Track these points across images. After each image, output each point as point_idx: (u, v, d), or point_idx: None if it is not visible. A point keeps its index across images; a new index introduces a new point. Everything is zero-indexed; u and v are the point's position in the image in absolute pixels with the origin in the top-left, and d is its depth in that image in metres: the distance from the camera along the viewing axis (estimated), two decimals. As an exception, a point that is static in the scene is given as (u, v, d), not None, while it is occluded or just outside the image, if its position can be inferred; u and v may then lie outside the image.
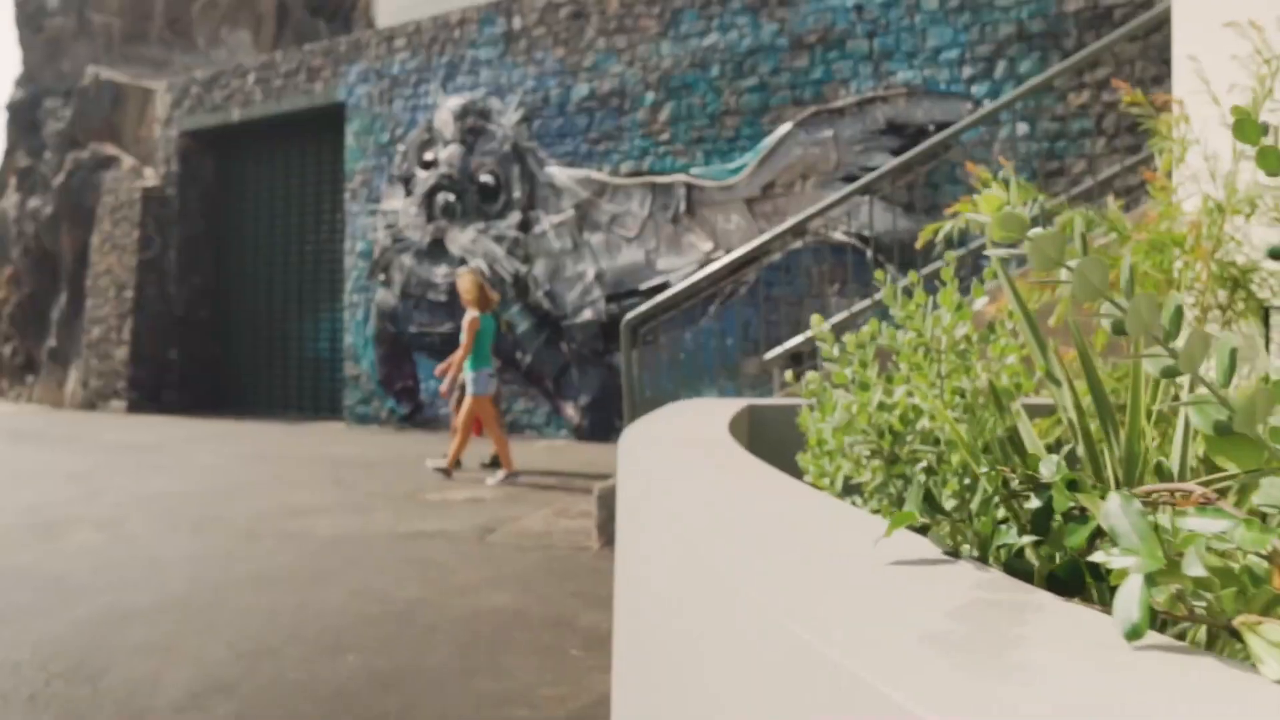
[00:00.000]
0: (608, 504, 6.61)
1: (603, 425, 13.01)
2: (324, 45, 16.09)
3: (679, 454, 1.93)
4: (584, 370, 13.17)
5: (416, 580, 5.80)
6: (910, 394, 2.09)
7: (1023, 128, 10.59)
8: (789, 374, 2.91)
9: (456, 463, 10.04)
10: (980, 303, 2.14)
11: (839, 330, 9.91)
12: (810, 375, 2.30)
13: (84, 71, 19.57)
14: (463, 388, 10.04)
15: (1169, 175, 3.63)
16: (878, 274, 2.33)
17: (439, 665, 4.29)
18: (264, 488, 9.23)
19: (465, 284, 10.05)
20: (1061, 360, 2.28)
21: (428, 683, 4.07)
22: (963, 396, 2.18)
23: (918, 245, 3.73)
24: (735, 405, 3.24)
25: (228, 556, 6.39)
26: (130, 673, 4.18)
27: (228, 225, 18.34)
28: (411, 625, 4.89)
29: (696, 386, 12.31)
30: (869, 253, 10.92)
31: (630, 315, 6.90)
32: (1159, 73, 10.04)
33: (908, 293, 2.23)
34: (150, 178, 18.27)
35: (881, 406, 2.11)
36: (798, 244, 11.67)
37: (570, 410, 13.29)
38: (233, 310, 18.28)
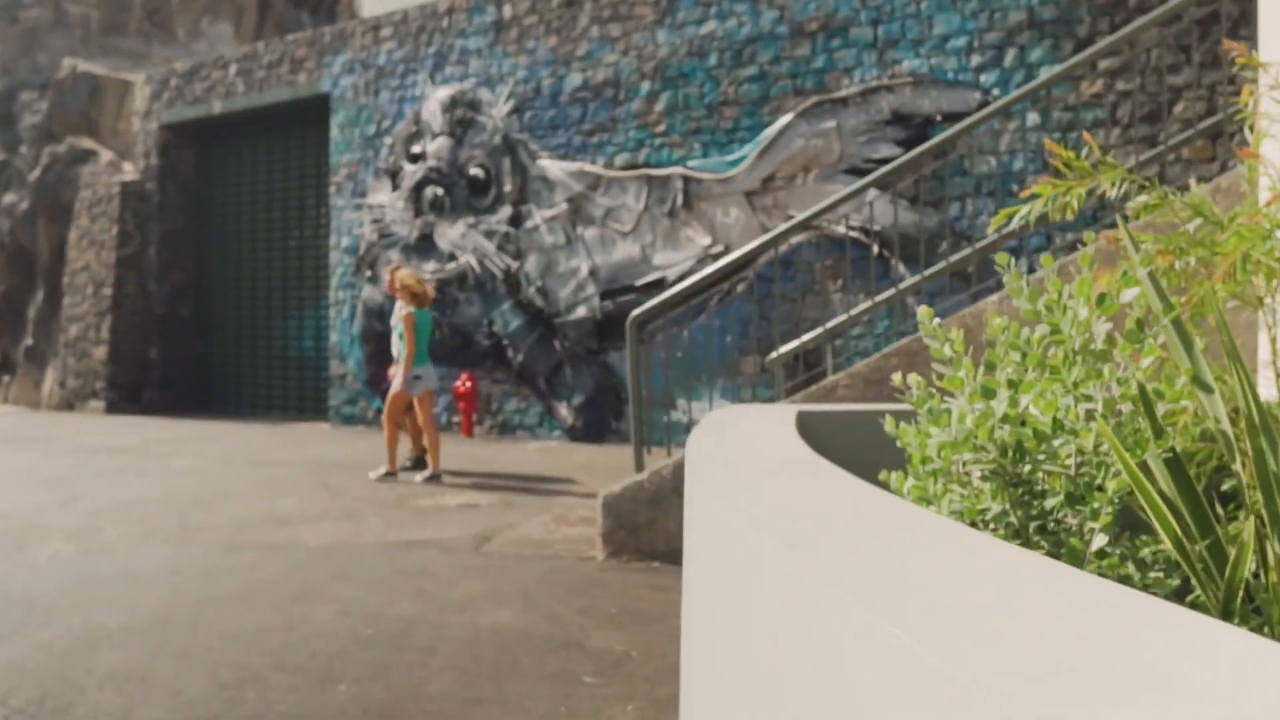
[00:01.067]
0: (613, 512, 6.23)
1: (597, 426, 12.63)
2: (308, 35, 15.65)
3: (782, 488, 1.54)
4: (577, 369, 12.78)
5: (411, 595, 5.41)
6: (1044, 402, 1.71)
7: (1033, 118, 10.24)
8: (896, 377, 2.52)
9: (413, 461, 10.20)
10: (1129, 294, 1.75)
11: (838, 329, 9.61)
12: (914, 379, 1.91)
13: (61, 64, 19.07)
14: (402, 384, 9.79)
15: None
16: (1000, 258, 1.95)
17: (440, 695, 3.90)
18: (248, 493, 8.82)
19: (406, 279, 9.73)
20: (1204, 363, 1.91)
21: (428, 715, 3.68)
22: (1089, 402, 1.80)
23: (990, 230, 3.35)
24: (784, 414, 2.87)
25: (209, 570, 5.99)
26: (100, 706, 3.78)
27: (209, 220, 17.89)
28: (408, 648, 4.50)
29: (694, 385, 11.94)
30: (874, 247, 10.56)
31: (636, 312, 6.53)
32: (1175, 60, 9.71)
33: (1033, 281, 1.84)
34: (129, 172, 17.80)
35: (1006, 418, 1.72)
36: (798, 238, 11.30)
37: (563, 410, 12.90)
38: (215, 308, 17.82)
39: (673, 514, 6.09)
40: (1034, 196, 3.28)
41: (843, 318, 8.11)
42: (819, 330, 8.23)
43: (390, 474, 9.71)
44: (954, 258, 8.21)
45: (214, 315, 17.81)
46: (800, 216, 7.14)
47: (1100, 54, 7.36)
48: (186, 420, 15.98)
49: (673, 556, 6.09)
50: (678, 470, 6.08)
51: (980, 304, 5.51)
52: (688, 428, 12.17)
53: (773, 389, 11.50)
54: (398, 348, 9.75)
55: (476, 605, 5.21)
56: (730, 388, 11.74)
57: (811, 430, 2.90)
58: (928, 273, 7.83)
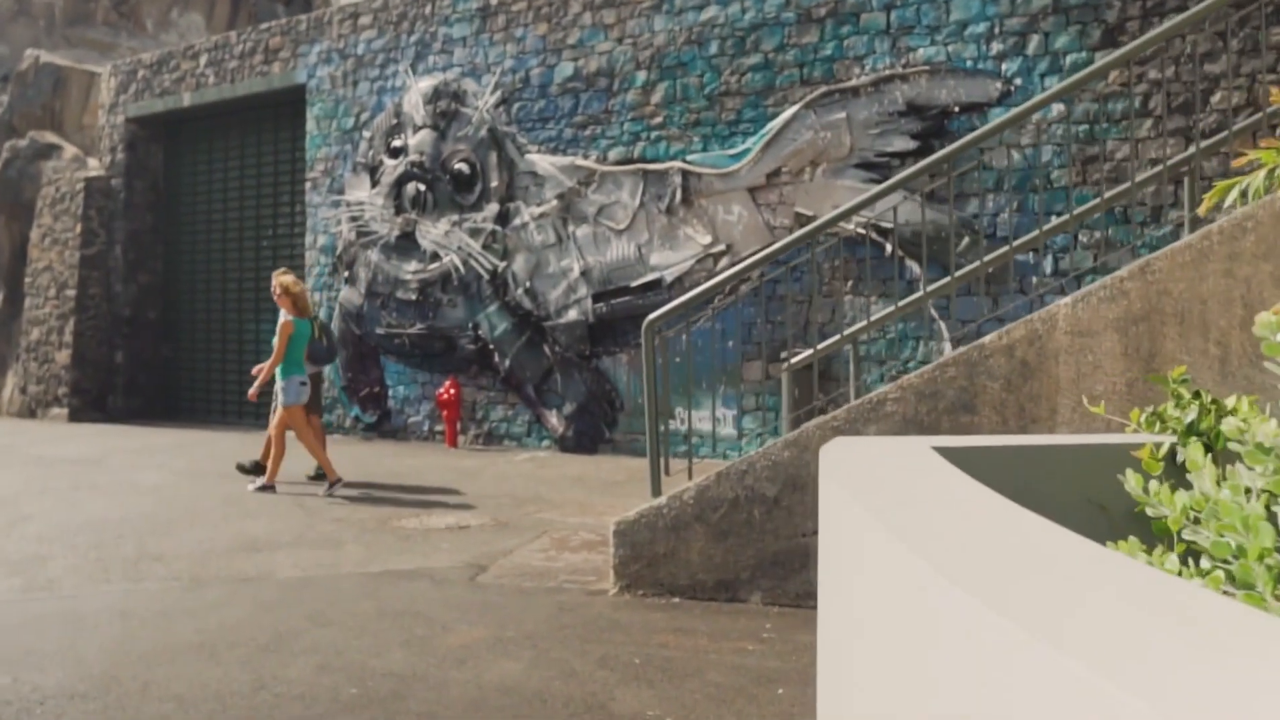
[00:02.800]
0: (628, 542, 5.52)
1: (589, 435, 11.92)
2: (282, 24, 14.89)
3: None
4: (568, 375, 12.07)
5: (401, 643, 4.68)
6: None
7: (1058, 108, 9.58)
8: (1134, 414, 1.84)
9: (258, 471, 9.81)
10: None
11: (852, 334, 8.95)
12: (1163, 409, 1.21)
13: (23, 55, 18.23)
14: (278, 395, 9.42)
15: None
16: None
17: (443, 785, 3.19)
18: (215, 514, 8.06)
19: (291, 286, 9.44)
20: None
21: (431, 818, 2.97)
22: None
23: (1201, 211, 2.66)
24: (916, 448, 2.18)
25: (166, 612, 5.24)
26: (21, 805, 3.05)
27: (178, 218, 17.09)
28: (401, 713, 3.78)
29: (693, 393, 11.24)
30: (888, 246, 9.91)
31: (654, 315, 5.83)
32: (1211, 48, 9.08)
33: None
34: (94, 167, 17.03)
35: None
36: (785, 240, 10.60)
37: (553, 419, 12.19)
38: (183, 310, 17.01)
39: (695, 544, 5.39)
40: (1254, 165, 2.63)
41: (865, 323, 7.43)
42: (839, 336, 7.55)
43: (268, 487, 9.21)
44: (988, 258, 7.55)
45: (183, 318, 17.00)
46: (847, 206, 6.42)
47: (1142, 49, 6.68)
48: (153, 428, 15.16)
49: (695, 591, 5.40)
50: (702, 495, 5.38)
51: (1051, 308, 4.84)
52: (685, 438, 11.47)
53: (778, 396, 10.83)
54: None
55: (478, 656, 4.49)
56: (732, 396, 11.05)
57: (971, 470, 2.21)
58: (959, 273, 7.17)
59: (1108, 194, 7.02)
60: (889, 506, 1.44)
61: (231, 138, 16.26)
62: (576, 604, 5.41)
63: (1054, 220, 9.46)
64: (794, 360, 7.48)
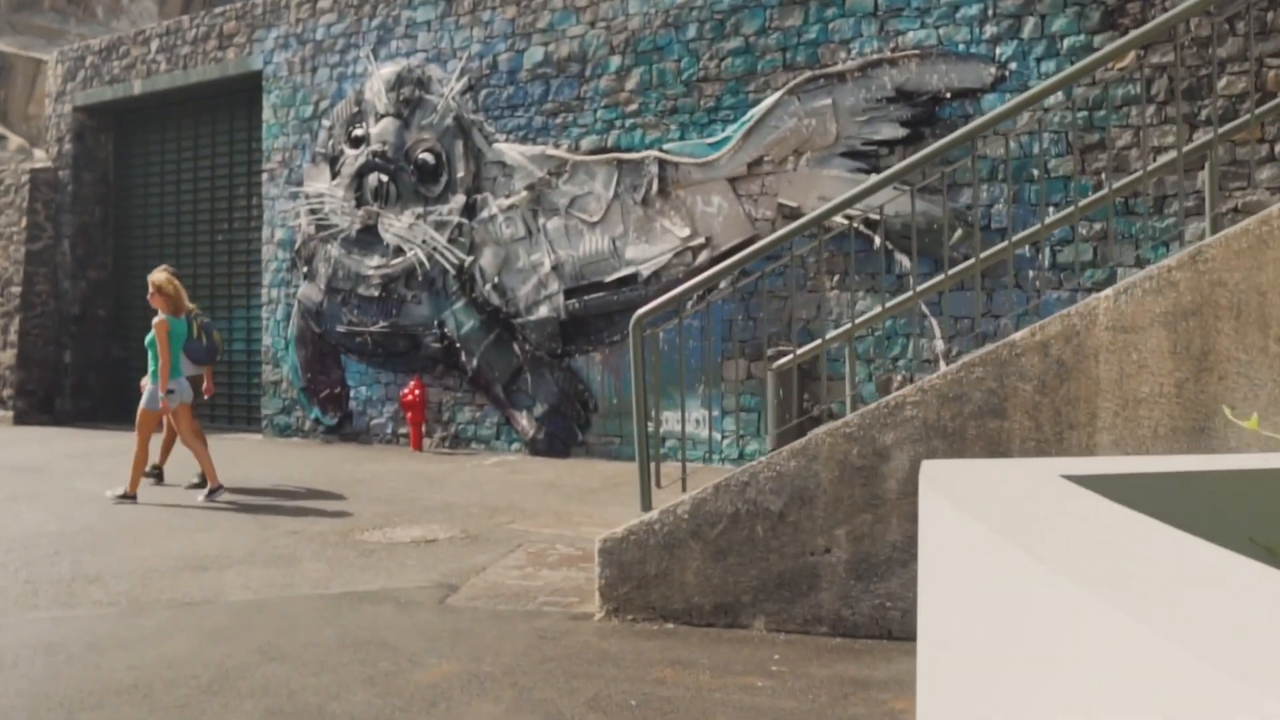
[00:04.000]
0: (615, 561, 4.99)
1: (561, 438, 11.37)
2: (237, 7, 14.24)
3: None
4: (539, 375, 11.52)
5: (363, 680, 4.12)
6: None
7: (1057, 96, 9.12)
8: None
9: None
10: None
11: (834, 329, 8.47)
12: None
13: (-35, 40, 17.48)
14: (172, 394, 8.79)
15: None
16: None
17: None
18: (161, 527, 7.46)
19: (163, 284, 8.94)
20: None
21: None
22: None
23: None
24: (1041, 473, 1.70)
25: (98, 644, 4.65)
26: None
27: (129, 212, 16.42)
28: (363, 776, 3.23)
29: (671, 394, 10.71)
30: (876, 239, 9.42)
31: (642, 311, 5.31)
32: (1219, 30, 8.65)
33: None
34: (40, 159, 16.39)
35: None
36: (787, 229, 10.10)
37: (523, 421, 11.63)
38: (135, 308, 16.27)
39: (691, 564, 4.87)
40: None
41: (865, 317, 6.95)
42: (836, 332, 7.06)
43: (128, 497, 8.52)
44: (987, 253, 7.06)
45: (134, 316, 16.27)
46: (850, 194, 5.90)
47: (1144, 40, 6.19)
48: (102, 431, 14.48)
49: (691, 616, 4.87)
50: (698, 510, 4.86)
51: (1090, 301, 4.36)
52: (663, 440, 10.94)
53: (760, 396, 10.33)
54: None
55: (451, 697, 3.94)
56: (711, 396, 10.53)
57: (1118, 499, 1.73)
58: (956, 270, 6.68)
59: (1118, 183, 6.54)
60: (1036, 537, 1.27)
61: (184, 127, 15.60)
62: (559, 631, 4.87)
63: (1054, 211, 9.05)
64: (784, 360, 6.95)
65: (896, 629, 4.59)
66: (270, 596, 5.48)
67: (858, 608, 4.65)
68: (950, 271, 6.46)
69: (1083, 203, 6.52)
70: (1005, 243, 6.53)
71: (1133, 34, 5.73)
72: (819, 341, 7.00)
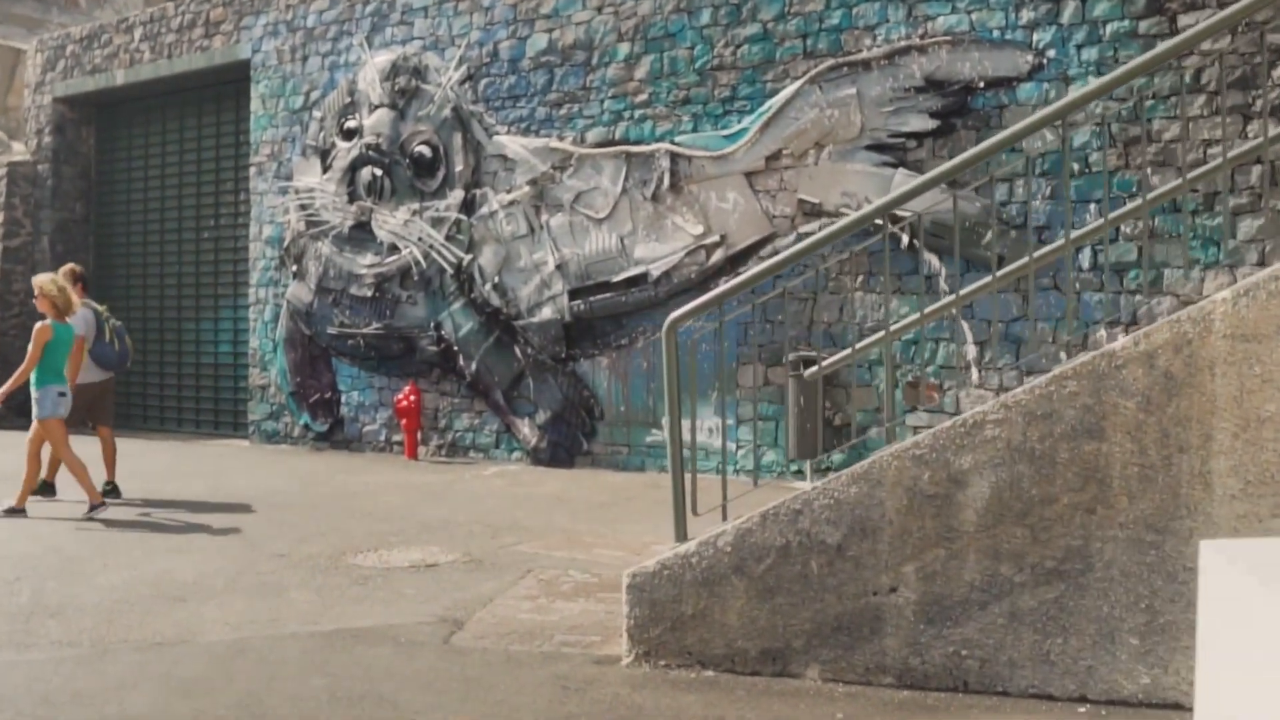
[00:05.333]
0: (646, 599, 4.38)
1: (565, 447, 10.76)
2: (224, -7, 13.60)
3: None
4: (542, 380, 10.91)
5: (360, 748, 3.51)
6: None
7: (1094, 84, 8.53)
8: None
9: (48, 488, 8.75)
10: None
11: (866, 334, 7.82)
12: None
13: (-59, 29, 16.84)
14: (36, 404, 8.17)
15: None
16: None
17: None
18: (136, 547, 6.83)
19: (46, 287, 8.22)
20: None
21: None
22: None
23: None
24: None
25: (52, 699, 4.03)
26: None
27: (111, 208, 15.83)
28: None
29: (683, 401, 10.09)
30: (904, 237, 8.84)
31: (677, 314, 4.68)
32: (1276, 14, 8.06)
33: None
34: (19, 152, 15.87)
35: None
36: (810, 227, 9.54)
37: (525, 429, 11.01)
38: (116, 308, 15.44)
39: (734, 603, 4.26)
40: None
41: (908, 319, 6.36)
42: (875, 338, 6.48)
43: (98, 506, 7.90)
44: (1040, 253, 6.46)
45: (115, 316, 15.58)
46: (917, 184, 5.28)
47: (1208, 34, 5.57)
48: (81, 437, 13.76)
49: (734, 663, 4.26)
50: (742, 541, 4.25)
51: (1204, 305, 3.76)
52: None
53: (778, 404, 9.74)
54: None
55: (463, 771, 3.33)
56: (725, 403, 9.91)
57: None
58: (1006, 271, 6.10)
59: (1191, 174, 5.93)
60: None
61: (169, 119, 15.00)
62: (583, 679, 4.26)
63: (1094, 208, 8.47)
64: (816, 369, 6.34)
65: (974, 680, 3.99)
66: (253, 635, 4.86)
67: (928, 656, 4.04)
68: (999, 273, 5.86)
69: (1152, 194, 5.93)
70: (1061, 240, 5.92)
71: (1225, 13, 5.13)
72: (854, 349, 6.41)
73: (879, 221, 8.55)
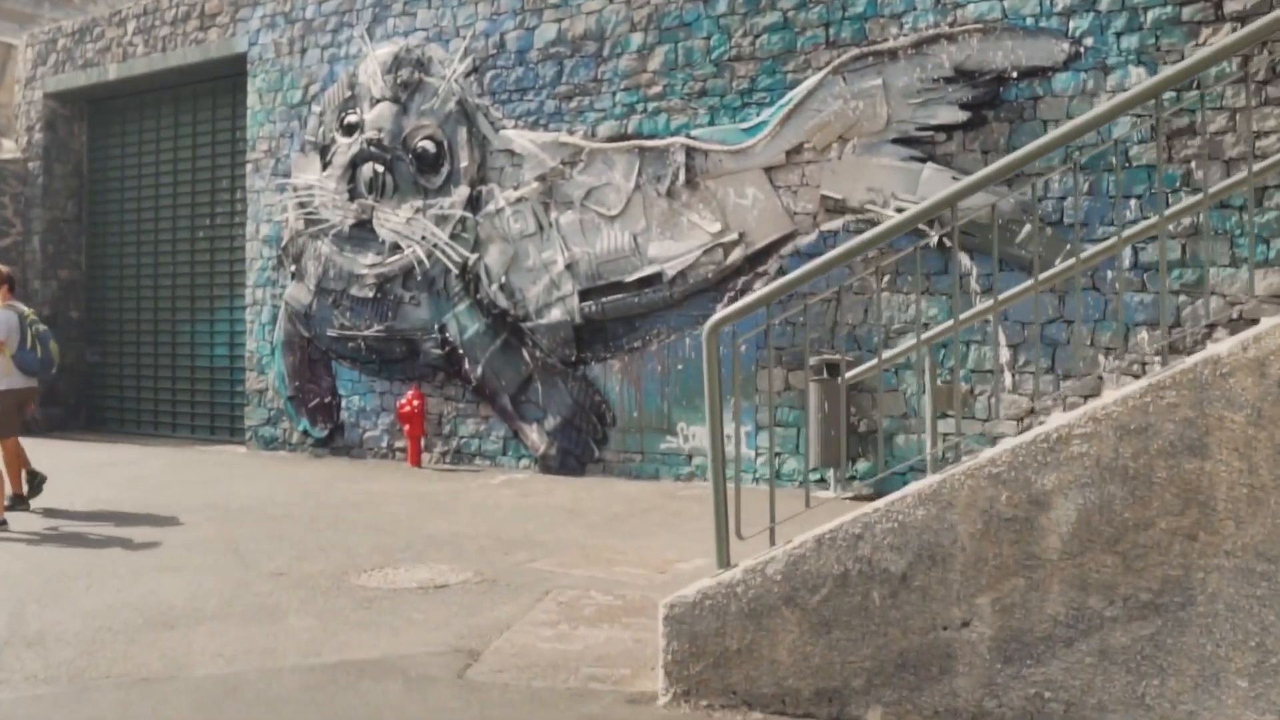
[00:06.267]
0: (686, 632, 3.94)
1: (575, 454, 10.32)
2: (220, -16, 13.17)
3: None
4: (551, 384, 10.47)
5: (370, 810, 3.06)
6: None
7: (1138, 74, 8.13)
8: None
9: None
10: None
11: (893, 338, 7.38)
12: None
13: (-70, 23, 16.41)
14: None
15: None
16: None
17: None
18: (124, 565, 6.38)
19: None
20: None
21: None
22: None
23: None
24: None
25: (21, 747, 3.59)
26: None
27: (103, 206, 15.42)
28: None
29: (699, 406, 9.68)
30: (935, 236, 8.41)
31: (718, 316, 4.22)
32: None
33: None
34: (9, 149, 15.49)
35: None
36: (833, 224, 9.12)
37: (533, 435, 10.57)
38: (109, 310, 15.26)
39: (785, 637, 3.82)
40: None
41: (945, 326, 5.87)
42: (908, 345, 6.04)
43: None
44: (1090, 253, 6.02)
45: (109, 318, 15.27)
46: (966, 184, 4.83)
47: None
48: (73, 443, 13.40)
49: (785, 704, 3.82)
50: (794, 569, 3.81)
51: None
52: (689, 457, 9.93)
53: (798, 410, 9.30)
54: None
55: (490, 842, 2.88)
56: (745, 408, 9.50)
57: None
58: (1052, 273, 5.66)
59: (1259, 165, 5.50)
60: None
61: (163, 115, 14.60)
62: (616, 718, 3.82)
63: (1136, 204, 8.05)
64: (856, 372, 5.90)
65: (1057, 727, 3.56)
66: (248, 669, 4.42)
67: (1006, 698, 3.60)
68: (1042, 275, 5.42)
69: (1214, 189, 5.48)
70: (1115, 238, 5.47)
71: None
72: (881, 357, 5.98)
73: (894, 214, 8.15)
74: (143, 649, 4.68)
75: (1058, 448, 3.57)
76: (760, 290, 4.37)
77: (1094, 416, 3.54)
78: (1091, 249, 6.29)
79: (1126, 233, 5.74)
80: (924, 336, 5.75)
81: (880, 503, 3.78)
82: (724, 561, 4.05)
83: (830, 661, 3.80)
